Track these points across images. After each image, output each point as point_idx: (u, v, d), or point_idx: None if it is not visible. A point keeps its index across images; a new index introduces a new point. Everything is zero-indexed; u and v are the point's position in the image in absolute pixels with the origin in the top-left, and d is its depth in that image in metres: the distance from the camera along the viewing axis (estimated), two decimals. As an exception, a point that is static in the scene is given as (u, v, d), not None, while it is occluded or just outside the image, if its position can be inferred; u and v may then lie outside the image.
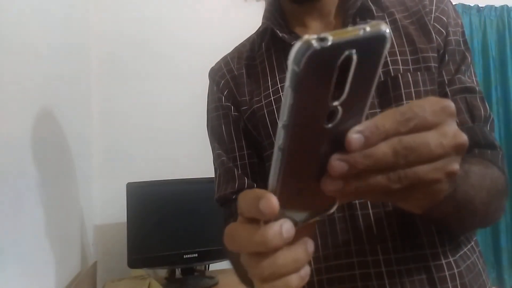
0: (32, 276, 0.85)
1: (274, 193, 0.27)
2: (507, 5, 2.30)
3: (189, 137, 1.64)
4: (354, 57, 0.23)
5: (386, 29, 0.24)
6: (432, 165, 0.29)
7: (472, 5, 2.27)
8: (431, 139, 0.28)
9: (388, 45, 0.24)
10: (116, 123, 1.72)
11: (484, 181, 0.48)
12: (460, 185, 0.40)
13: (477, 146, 0.56)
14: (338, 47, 0.23)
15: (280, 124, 0.25)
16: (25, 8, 0.87)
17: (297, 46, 0.22)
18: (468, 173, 0.45)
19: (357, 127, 0.27)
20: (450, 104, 0.29)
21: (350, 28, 0.23)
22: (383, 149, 0.27)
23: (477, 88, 0.60)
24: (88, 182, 1.55)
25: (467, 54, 0.61)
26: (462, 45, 0.62)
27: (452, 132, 0.29)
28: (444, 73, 0.60)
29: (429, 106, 0.28)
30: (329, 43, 0.22)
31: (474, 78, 0.62)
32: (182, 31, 1.82)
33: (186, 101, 1.68)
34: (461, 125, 0.57)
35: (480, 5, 2.28)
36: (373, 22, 0.24)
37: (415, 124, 0.27)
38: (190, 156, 1.66)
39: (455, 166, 0.30)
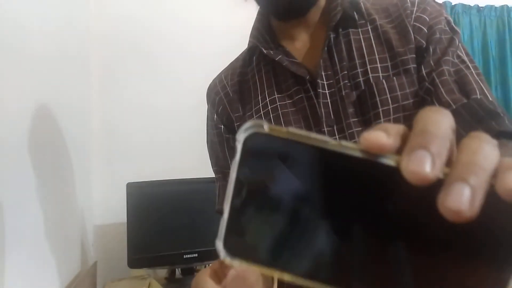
0: (32, 276, 0.85)
1: None
2: (507, 5, 2.30)
3: (189, 137, 1.63)
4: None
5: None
6: None
7: (472, 5, 2.27)
8: None
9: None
10: (116, 123, 1.72)
11: None
12: None
13: (480, 121, 0.54)
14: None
15: None
16: (25, 10, 0.87)
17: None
18: None
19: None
20: None
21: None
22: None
23: (470, 65, 0.59)
24: (88, 182, 1.55)
25: (454, 37, 0.60)
26: (449, 31, 0.61)
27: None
28: (432, 62, 0.59)
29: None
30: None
31: (466, 57, 0.60)
32: (182, 32, 1.81)
33: (186, 101, 1.68)
34: (455, 104, 0.56)
35: (480, 5, 2.28)
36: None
37: None
38: (190, 156, 1.65)
39: None
